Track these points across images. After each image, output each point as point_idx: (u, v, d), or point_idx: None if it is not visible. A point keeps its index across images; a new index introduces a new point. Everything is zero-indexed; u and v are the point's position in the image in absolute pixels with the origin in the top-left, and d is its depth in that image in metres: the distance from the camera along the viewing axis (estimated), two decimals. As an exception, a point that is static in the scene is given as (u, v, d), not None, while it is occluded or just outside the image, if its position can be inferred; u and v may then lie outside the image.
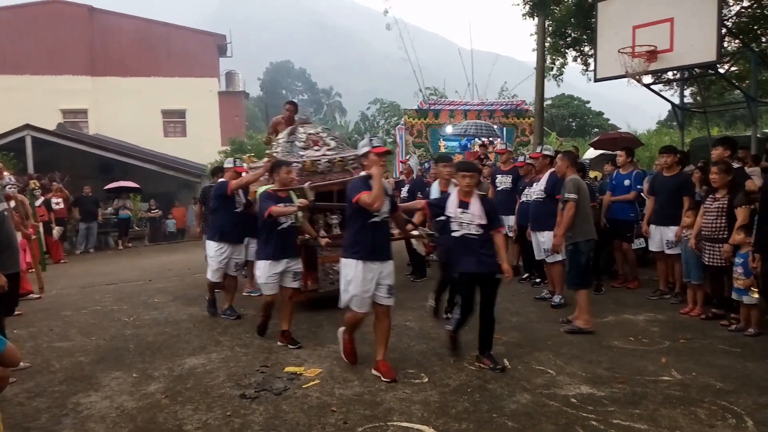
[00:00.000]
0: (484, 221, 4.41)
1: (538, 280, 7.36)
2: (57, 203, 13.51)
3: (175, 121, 25.87)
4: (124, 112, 23.77)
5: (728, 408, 3.60)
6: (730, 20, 12.09)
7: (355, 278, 4.22)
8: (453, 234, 4.49)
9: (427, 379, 4.25)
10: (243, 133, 24.42)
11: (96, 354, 5.22)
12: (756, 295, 5.03)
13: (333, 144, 6.67)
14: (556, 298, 6.40)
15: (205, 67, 26.21)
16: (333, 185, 6.28)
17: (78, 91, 24.04)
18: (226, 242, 6.14)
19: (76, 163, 17.96)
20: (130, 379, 4.51)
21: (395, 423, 3.52)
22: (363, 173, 4.28)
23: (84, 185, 15.23)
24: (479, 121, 15.08)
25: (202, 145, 23.01)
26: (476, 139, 14.97)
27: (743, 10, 12.64)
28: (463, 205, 4.47)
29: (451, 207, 4.50)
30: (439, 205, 4.68)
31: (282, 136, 6.99)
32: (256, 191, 5.78)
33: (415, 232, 5.31)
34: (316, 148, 6.54)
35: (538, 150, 7.26)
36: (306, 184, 5.55)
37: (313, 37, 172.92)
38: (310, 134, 6.67)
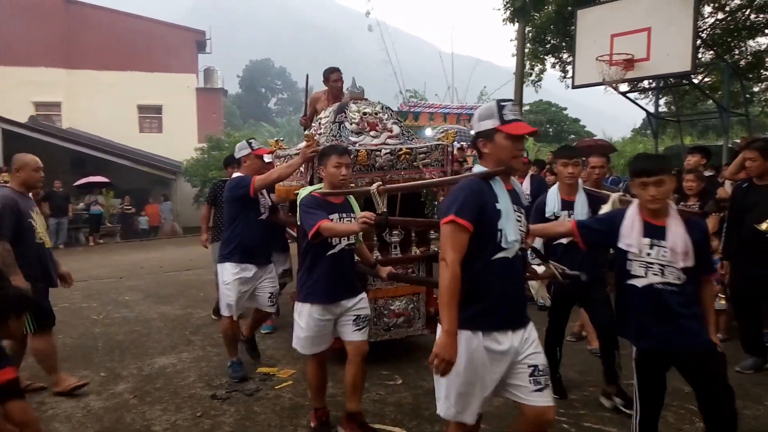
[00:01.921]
0: (690, 262, 2.62)
1: None
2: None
3: (151, 116, 25.46)
4: (99, 106, 23.30)
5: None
6: (704, 32, 12.37)
7: None
8: (630, 281, 2.71)
9: (401, 381, 4.24)
10: (221, 131, 24.13)
11: (63, 352, 5.09)
12: (723, 302, 5.14)
13: (397, 130, 4.73)
14: (541, 300, 6.46)
15: (183, 63, 25.85)
16: (406, 187, 4.22)
17: (51, 84, 23.49)
18: (249, 263, 4.29)
19: (47, 157, 17.33)
20: (97, 378, 4.43)
21: (368, 425, 3.49)
22: (476, 169, 2.42)
23: (55, 180, 14.89)
24: (458, 126, 15.14)
25: (179, 142, 22.67)
26: (456, 143, 15.01)
27: (718, 22, 12.96)
28: (655, 231, 2.67)
29: (631, 233, 2.69)
30: (605, 229, 2.85)
31: (325, 114, 5.07)
32: (296, 193, 3.82)
33: (539, 269, 3.10)
34: (373, 133, 4.64)
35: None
36: (374, 186, 3.42)
37: (293, 35, 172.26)
38: (366, 114, 4.72)
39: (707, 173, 6.28)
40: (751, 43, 13.25)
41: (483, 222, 2.25)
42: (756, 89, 14.61)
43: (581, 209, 3.72)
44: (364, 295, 3.46)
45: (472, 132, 2.46)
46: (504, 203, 2.30)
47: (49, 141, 17.70)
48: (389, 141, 4.61)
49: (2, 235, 3.78)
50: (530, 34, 13.65)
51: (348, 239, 3.35)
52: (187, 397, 4.03)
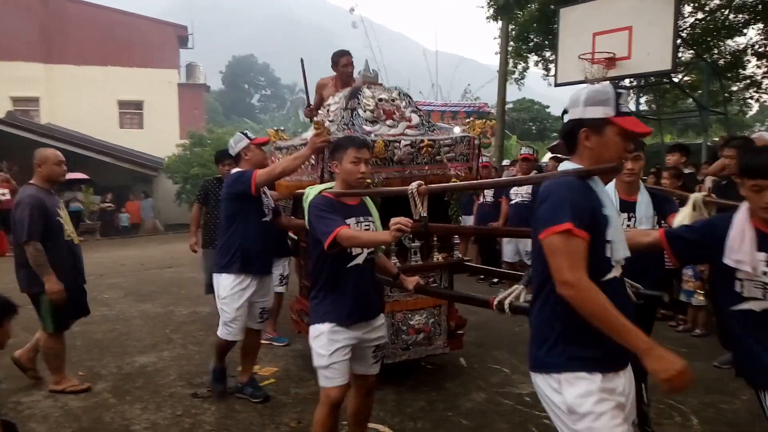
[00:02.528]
0: None
1: (495, 279, 7.43)
2: (3, 194, 12.96)
3: (131, 112, 25.11)
4: (79, 101, 22.94)
5: (675, 407, 3.70)
6: (685, 31, 12.51)
7: None
8: (741, 306, 2.17)
9: (383, 378, 4.23)
10: (203, 127, 23.89)
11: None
12: (702, 298, 5.21)
13: (416, 119, 4.18)
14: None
15: (165, 59, 25.52)
16: (454, 187, 3.89)
17: (30, 79, 23.04)
18: (249, 274, 3.75)
19: (25, 154, 17.17)
20: (76, 377, 4.35)
21: (350, 422, 3.48)
22: (566, 166, 1.91)
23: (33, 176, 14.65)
24: (441, 123, 15.19)
25: (160, 138, 22.39)
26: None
27: (697, 21, 13.12)
28: None
29: (741, 247, 2.13)
30: (702, 241, 2.25)
31: (335, 99, 4.45)
32: (300, 192, 3.48)
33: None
34: (390, 122, 4.08)
35: (523, 151, 7.23)
36: (413, 185, 2.78)
37: (277, 31, 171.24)
38: (381, 100, 4.15)
39: (687, 171, 6.36)
40: (729, 42, 13.45)
41: (593, 233, 1.76)
42: (734, 88, 14.83)
43: (645, 211, 3.14)
44: (383, 318, 2.99)
45: (569, 117, 1.92)
46: (611, 209, 1.84)
47: (27, 137, 17.38)
48: (408, 131, 4.05)
49: (32, 237, 3.75)
50: (513, 32, 13.71)
51: (369, 248, 2.82)
52: (168, 396, 3.98)
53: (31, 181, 4.03)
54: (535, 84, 16.60)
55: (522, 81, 14.90)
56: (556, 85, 10.72)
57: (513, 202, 6.87)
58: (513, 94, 17.22)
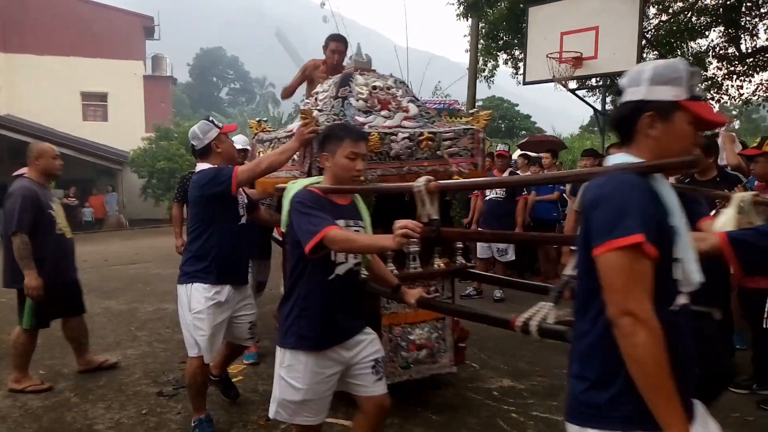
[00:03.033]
0: None
1: (469, 290, 7.05)
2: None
3: (95, 104, 24.49)
4: (40, 92, 22.26)
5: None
6: (649, 32, 12.80)
7: None
8: None
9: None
10: (169, 120, 23.49)
11: (-1, 349, 4.86)
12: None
13: (414, 110, 3.73)
14: (497, 293, 6.62)
15: (131, 49, 24.96)
16: (471, 185, 3.58)
17: (-12, 68, 22.34)
18: (226, 284, 3.24)
19: (-18, 145, 16.71)
20: (36, 376, 4.23)
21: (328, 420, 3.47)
22: (619, 159, 1.53)
23: (-9, 169, 14.19)
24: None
25: (125, 131, 21.93)
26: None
27: (662, 23, 13.43)
28: None
29: None
30: None
31: (323, 87, 4.03)
32: (281, 186, 2.81)
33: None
34: (385, 113, 3.65)
35: (499, 147, 7.26)
36: (421, 182, 2.23)
37: (246, 24, 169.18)
38: (375, 88, 3.72)
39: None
40: (692, 44, 13.82)
41: (660, 248, 1.36)
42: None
43: None
44: (371, 330, 2.55)
45: (626, 98, 1.54)
46: (678, 217, 1.44)
47: (-16, 128, 16.84)
48: (406, 123, 3.60)
49: (21, 229, 3.78)
50: (483, 30, 13.80)
51: (356, 256, 2.43)
52: (132, 395, 3.91)
53: (24, 174, 4.03)
54: (504, 82, 16.76)
55: (492, 79, 15.02)
56: (525, 83, 10.84)
57: (487, 198, 6.76)
58: (483, 92, 17.35)
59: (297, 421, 2.40)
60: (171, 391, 3.95)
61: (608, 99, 11.03)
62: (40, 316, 3.96)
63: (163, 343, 5.02)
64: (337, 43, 4.90)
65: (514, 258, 6.79)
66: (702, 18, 12.98)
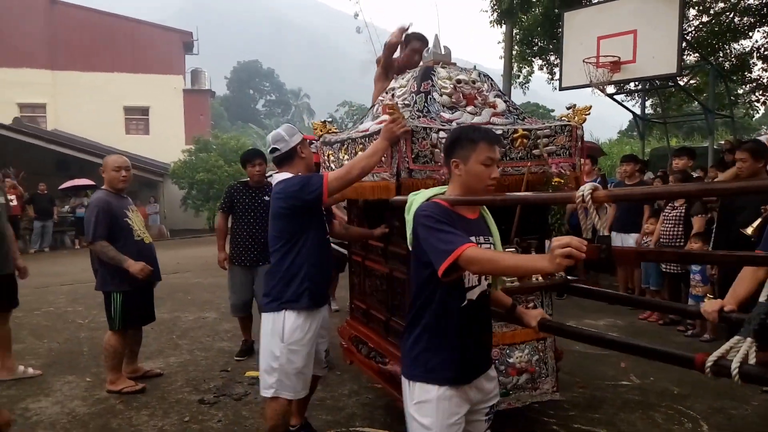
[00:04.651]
0: None
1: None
2: (11, 200, 13.05)
3: (137, 118, 25.27)
4: (85, 107, 23.10)
5: (684, 412, 3.68)
6: (689, 34, 12.49)
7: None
8: None
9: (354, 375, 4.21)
10: (208, 132, 24.03)
11: (48, 357, 5.03)
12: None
13: (502, 105, 3.35)
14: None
15: (170, 64, 25.70)
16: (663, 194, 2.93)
17: (36, 85, 23.25)
18: (317, 307, 2.95)
19: (32, 159, 17.37)
20: (83, 383, 4.36)
21: (358, 428, 3.48)
22: None
23: (40, 182, 14.75)
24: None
25: (166, 144, 22.55)
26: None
27: (702, 24, 13.10)
28: None
29: None
30: None
31: (400, 83, 3.66)
32: (408, 202, 2.31)
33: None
34: (471, 109, 3.30)
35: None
36: (586, 189, 1.79)
37: (281, 37, 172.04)
38: (460, 82, 3.34)
39: (695, 175, 6.34)
40: (735, 45, 13.42)
41: None
42: (740, 91, 14.79)
43: None
44: (494, 368, 2.23)
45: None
46: None
47: (33, 143, 17.50)
48: (495, 120, 3.24)
49: (96, 238, 3.97)
50: (517, 37, 13.70)
51: (487, 278, 2.08)
52: (175, 402, 3.98)
53: (102, 186, 4.28)
54: (540, 88, 16.60)
55: (527, 85, 14.90)
56: (561, 89, 10.70)
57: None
58: (518, 98, 17.22)
59: None
60: (212, 399, 4.01)
61: (648, 103, 10.79)
62: (127, 318, 4.13)
63: (203, 351, 5.11)
64: (421, 42, 4.45)
65: None
66: (745, 18, 12.60)
